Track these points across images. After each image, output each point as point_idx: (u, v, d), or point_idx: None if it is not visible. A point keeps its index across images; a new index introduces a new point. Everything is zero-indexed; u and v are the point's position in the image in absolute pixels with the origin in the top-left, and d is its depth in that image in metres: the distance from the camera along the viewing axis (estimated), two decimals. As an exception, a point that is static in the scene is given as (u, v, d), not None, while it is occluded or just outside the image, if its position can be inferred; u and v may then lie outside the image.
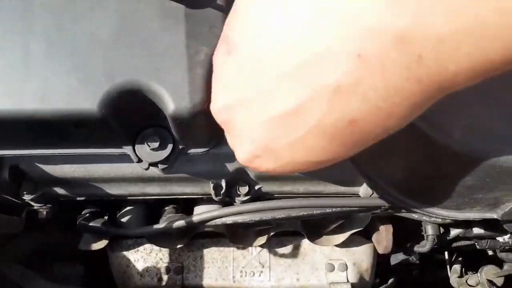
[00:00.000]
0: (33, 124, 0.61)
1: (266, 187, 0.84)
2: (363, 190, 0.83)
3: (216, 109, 0.44)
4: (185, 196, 0.86)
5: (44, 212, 0.89)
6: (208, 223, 0.80)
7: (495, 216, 0.71)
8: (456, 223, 0.93)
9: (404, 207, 0.77)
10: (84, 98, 0.59)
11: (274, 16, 0.35)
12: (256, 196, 0.84)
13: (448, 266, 1.27)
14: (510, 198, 0.67)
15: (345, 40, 0.31)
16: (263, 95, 0.38)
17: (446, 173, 0.62)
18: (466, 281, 1.15)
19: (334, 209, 0.78)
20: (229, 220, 0.79)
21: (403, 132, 0.54)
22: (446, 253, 1.26)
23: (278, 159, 0.41)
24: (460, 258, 1.28)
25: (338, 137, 0.37)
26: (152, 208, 0.95)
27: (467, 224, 0.94)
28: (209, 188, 0.82)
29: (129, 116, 0.65)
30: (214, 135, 0.72)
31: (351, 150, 0.40)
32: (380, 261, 1.09)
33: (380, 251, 0.96)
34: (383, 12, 0.29)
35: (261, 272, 0.98)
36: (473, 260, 1.24)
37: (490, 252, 1.22)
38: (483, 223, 0.93)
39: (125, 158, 0.74)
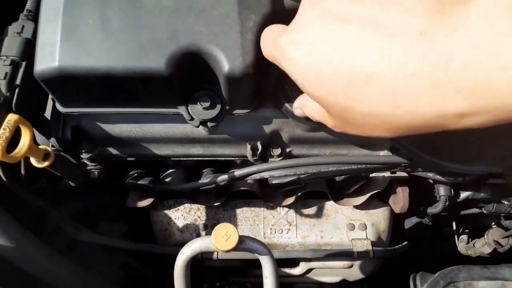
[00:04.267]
0: (108, 80, 0.71)
1: (296, 150, 0.95)
2: (384, 153, 0.93)
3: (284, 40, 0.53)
4: (223, 158, 0.96)
5: (96, 173, 0.99)
6: (248, 177, 0.91)
7: (500, 169, 0.81)
8: (466, 185, 1.03)
9: (421, 164, 0.88)
10: (153, 57, 0.69)
11: None
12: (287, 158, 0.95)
13: (456, 237, 1.37)
14: (515, 150, 0.77)
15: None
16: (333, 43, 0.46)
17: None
18: (474, 245, 1.25)
19: (359, 166, 0.88)
20: (266, 174, 0.89)
21: None
22: (454, 224, 1.37)
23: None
24: (467, 230, 1.39)
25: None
26: (191, 171, 1.06)
27: (475, 187, 1.04)
28: (245, 150, 0.93)
29: (187, 77, 0.75)
30: (257, 97, 0.83)
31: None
32: (394, 228, 1.20)
33: (397, 210, 1.07)
34: None
35: (289, 229, 1.09)
36: (479, 231, 1.34)
37: (494, 226, 1.32)
38: (490, 186, 1.04)
39: (176, 119, 0.85)
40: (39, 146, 0.72)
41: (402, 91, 0.41)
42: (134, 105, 0.81)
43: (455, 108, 0.39)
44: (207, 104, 0.79)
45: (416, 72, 0.40)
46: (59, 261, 0.83)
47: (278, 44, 0.54)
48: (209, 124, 0.82)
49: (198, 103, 0.79)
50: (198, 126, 0.82)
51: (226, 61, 0.70)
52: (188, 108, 0.80)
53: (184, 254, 0.75)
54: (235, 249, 0.70)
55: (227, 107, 0.82)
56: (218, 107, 0.81)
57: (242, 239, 0.72)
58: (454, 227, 1.36)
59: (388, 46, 0.41)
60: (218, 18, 0.71)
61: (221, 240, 0.67)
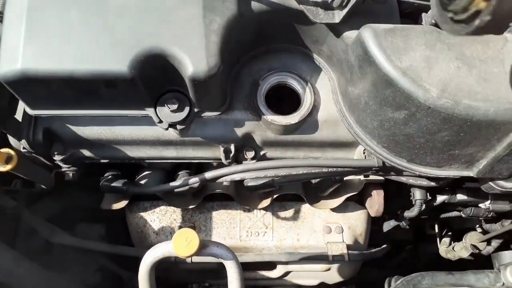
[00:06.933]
0: (71, 83, 0.71)
1: (270, 153, 0.94)
2: (357, 156, 0.93)
3: None
4: (197, 161, 0.96)
5: (70, 174, 0.99)
6: (220, 179, 0.90)
7: (471, 174, 0.81)
8: (441, 189, 1.02)
9: (393, 169, 0.87)
10: (116, 60, 0.69)
11: None
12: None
13: (438, 239, 1.37)
14: (483, 155, 0.76)
15: None
16: None
17: (425, 130, 0.71)
18: (453, 248, 1.25)
19: (330, 169, 0.87)
20: (237, 177, 0.89)
21: (389, 95, 0.63)
22: (436, 227, 1.36)
23: None
24: (450, 233, 1.38)
25: None
26: (166, 174, 1.05)
27: (452, 191, 1.04)
28: (219, 152, 0.92)
29: (153, 79, 0.75)
30: (225, 99, 0.83)
31: None
32: (374, 229, 1.19)
33: (372, 214, 1.06)
34: None
35: (265, 232, 1.08)
36: (461, 234, 1.34)
37: (478, 230, 1.31)
38: (466, 190, 1.03)
39: (147, 121, 0.85)
40: (1, 150, 0.72)
41: None
42: (102, 107, 0.80)
43: None
44: (175, 106, 0.79)
45: None
46: (27, 266, 0.83)
47: None
48: (178, 126, 0.81)
49: (166, 105, 0.79)
50: (167, 129, 0.82)
51: (190, 64, 0.70)
52: (157, 110, 0.80)
53: (147, 260, 0.74)
54: (197, 254, 0.69)
55: (195, 110, 0.81)
56: (187, 109, 0.80)
57: (205, 243, 0.72)
58: (437, 230, 1.35)
59: None
60: (183, 21, 0.70)
61: (181, 246, 0.67)
